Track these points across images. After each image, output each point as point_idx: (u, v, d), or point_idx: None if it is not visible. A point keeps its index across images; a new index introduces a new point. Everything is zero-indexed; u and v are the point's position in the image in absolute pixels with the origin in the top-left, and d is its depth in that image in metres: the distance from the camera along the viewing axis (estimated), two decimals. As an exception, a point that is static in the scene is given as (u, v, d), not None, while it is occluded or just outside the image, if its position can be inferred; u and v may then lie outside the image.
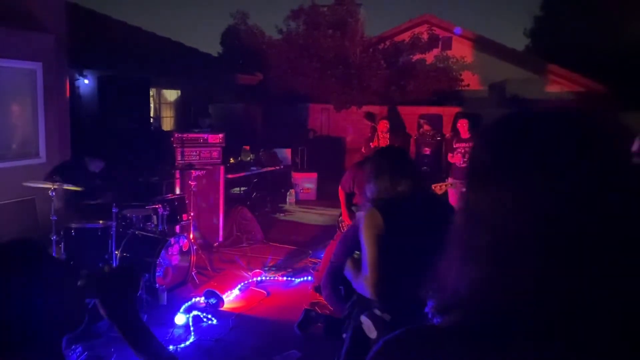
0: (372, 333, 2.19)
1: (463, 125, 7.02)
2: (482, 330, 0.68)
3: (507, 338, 0.67)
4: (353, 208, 5.22)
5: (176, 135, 6.80)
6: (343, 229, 5.26)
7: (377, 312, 2.18)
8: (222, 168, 6.93)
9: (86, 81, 9.58)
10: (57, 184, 4.60)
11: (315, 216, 8.71)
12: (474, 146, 0.77)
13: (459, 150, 7.00)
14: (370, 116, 10.01)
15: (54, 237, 4.77)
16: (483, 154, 0.73)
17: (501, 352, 0.66)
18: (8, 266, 1.20)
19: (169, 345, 4.04)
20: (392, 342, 0.74)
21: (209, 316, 4.55)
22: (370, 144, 8.48)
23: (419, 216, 2.27)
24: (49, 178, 4.81)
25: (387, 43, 13.84)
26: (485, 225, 0.70)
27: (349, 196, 5.71)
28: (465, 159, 6.98)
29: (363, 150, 8.91)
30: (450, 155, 7.05)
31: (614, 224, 0.65)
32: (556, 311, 0.65)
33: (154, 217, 5.27)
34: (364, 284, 2.20)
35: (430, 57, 13.59)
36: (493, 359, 0.66)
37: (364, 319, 2.21)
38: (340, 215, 5.96)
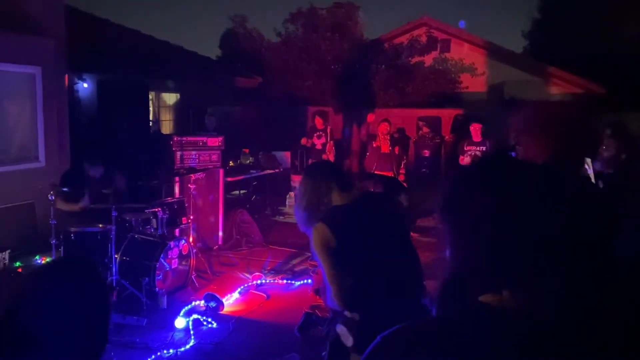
0: (349, 340, 2.19)
1: (476, 129, 7.07)
2: (463, 321, 0.74)
3: (480, 329, 0.73)
4: None
5: (175, 138, 6.81)
6: None
7: (347, 313, 2.20)
8: (221, 171, 6.93)
9: (85, 85, 9.58)
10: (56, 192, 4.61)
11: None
12: (451, 181, 0.88)
13: (470, 153, 7.06)
14: (322, 115, 9.83)
15: (53, 241, 4.77)
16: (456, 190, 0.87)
17: (479, 343, 0.72)
18: (61, 283, 1.20)
19: (169, 349, 4.04)
20: (389, 338, 0.77)
21: (209, 319, 4.54)
22: (373, 143, 8.50)
23: (365, 218, 2.35)
24: (53, 189, 4.82)
25: (386, 45, 13.87)
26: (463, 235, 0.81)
27: None
28: None
29: (368, 153, 8.97)
30: (461, 157, 7.07)
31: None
32: (524, 310, 0.72)
33: (154, 220, 5.27)
34: (330, 297, 2.23)
35: (428, 59, 13.62)
36: (474, 349, 0.72)
37: (339, 327, 2.23)
38: None
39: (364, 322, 2.16)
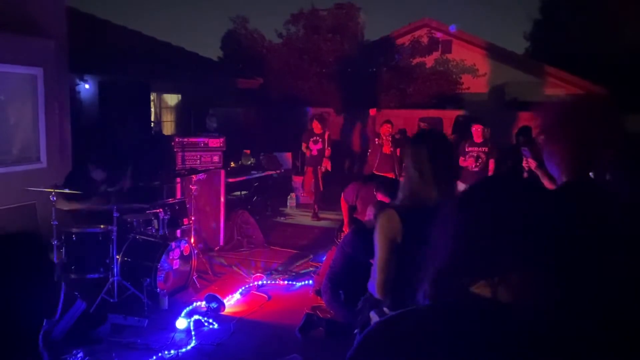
0: None
1: (477, 130, 7.04)
2: (454, 311, 0.77)
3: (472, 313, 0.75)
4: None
5: (177, 139, 6.82)
6: (338, 241, 5.29)
7: (385, 309, 2.19)
8: (222, 172, 6.94)
9: (87, 86, 9.60)
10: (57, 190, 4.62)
11: (316, 220, 8.70)
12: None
13: (472, 154, 7.01)
14: (321, 119, 8.93)
15: (55, 242, 4.77)
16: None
17: (469, 333, 0.73)
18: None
19: (170, 350, 4.04)
20: (385, 323, 0.79)
21: (210, 320, 4.55)
22: (376, 140, 8.46)
23: (436, 223, 2.21)
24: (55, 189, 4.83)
25: (387, 46, 13.88)
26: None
27: (352, 208, 5.74)
28: (477, 163, 6.96)
29: (370, 150, 8.88)
30: (462, 159, 7.03)
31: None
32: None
33: (155, 221, 5.28)
34: (373, 284, 2.20)
35: (430, 60, 13.63)
36: (464, 338, 0.73)
37: (372, 314, 2.22)
38: (341, 226, 5.98)
39: None
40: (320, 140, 8.65)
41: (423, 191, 2.17)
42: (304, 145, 8.76)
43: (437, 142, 2.28)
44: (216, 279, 5.73)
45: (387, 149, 8.26)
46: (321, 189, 8.65)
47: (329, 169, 8.69)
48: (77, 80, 9.32)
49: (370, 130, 8.81)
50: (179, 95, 12.43)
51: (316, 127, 8.72)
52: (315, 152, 8.67)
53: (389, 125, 8.47)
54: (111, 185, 5.26)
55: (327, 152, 8.70)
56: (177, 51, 13.02)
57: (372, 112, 8.79)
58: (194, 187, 6.03)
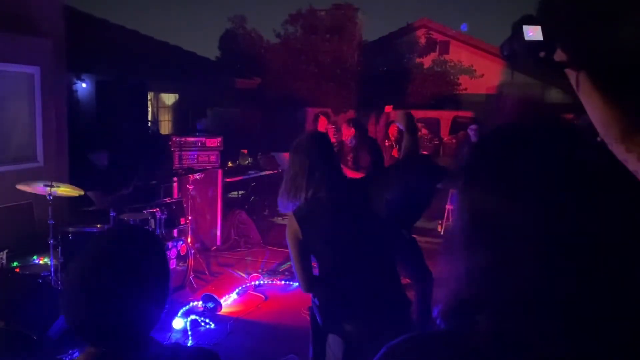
0: (318, 318, 2.44)
1: (473, 130, 7.04)
2: (478, 334, 0.69)
3: (503, 343, 0.67)
4: None
5: (174, 139, 6.80)
6: None
7: (313, 299, 2.45)
8: (220, 172, 6.93)
9: (84, 85, 9.58)
10: (56, 186, 4.59)
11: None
12: (474, 153, 0.77)
13: None
14: (354, 122, 7.15)
15: (51, 241, 4.75)
16: (483, 160, 0.75)
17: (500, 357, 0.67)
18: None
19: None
20: (395, 347, 0.76)
21: (207, 320, 4.54)
22: (386, 142, 8.40)
23: (336, 210, 2.36)
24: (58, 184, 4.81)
25: (385, 47, 13.90)
26: (485, 227, 0.71)
27: None
28: None
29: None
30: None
31: (606, 227, 0.66)
32: (555, 314, 0.66)
33: (152, 221, 5.26)
34: (298, 282, 2.43)
35: (427, 61, 13.66)
36: None
37: (311, 307, 2.50)
38: None
39: (322, 307, 2.39)
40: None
41: (301, 191, 2.35)
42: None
43: (316, 146, 2.41)
44: (213, 278, 5.72)
45: (397, 151, 8.21)
46: None
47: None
48: (75, 79, 9.29)
49: (381, 130, 8.73)
50: (177, 95, 12.42)
51: (321, 127, 6.87)
52: None
53: (396, 126, 8.45)
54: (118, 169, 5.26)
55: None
56: (175, 50, 13.01)
57: (388, 109, 8.63)
58: (191, 187, 6.02)
